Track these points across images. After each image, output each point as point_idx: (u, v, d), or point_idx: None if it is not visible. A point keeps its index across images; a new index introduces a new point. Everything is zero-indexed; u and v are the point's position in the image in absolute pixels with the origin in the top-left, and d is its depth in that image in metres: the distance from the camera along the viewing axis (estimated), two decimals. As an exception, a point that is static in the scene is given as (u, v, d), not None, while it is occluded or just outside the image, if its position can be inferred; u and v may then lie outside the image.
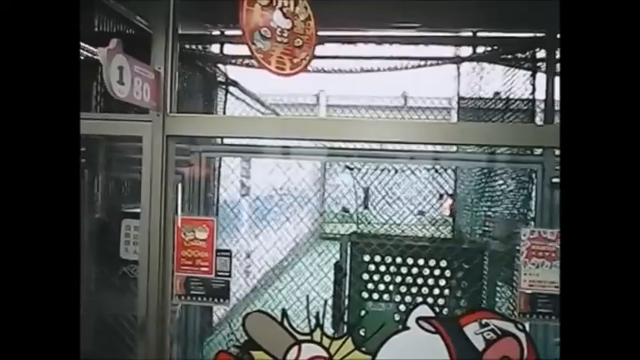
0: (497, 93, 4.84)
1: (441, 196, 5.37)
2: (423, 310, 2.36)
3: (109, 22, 3.40)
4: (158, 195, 2.41)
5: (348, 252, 3.40)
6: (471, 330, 2.31)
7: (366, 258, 3.37)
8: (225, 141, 3.51)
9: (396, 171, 4.19)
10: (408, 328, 2.35)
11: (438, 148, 3.93)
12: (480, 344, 2.29)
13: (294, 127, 2.53)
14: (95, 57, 3.11)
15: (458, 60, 4.56)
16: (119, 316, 3.18)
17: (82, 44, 3.10)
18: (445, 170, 4.79)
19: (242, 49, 3.59)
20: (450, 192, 5.15)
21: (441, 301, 3.18)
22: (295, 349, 2.39)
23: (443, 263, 3.25)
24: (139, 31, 3.65)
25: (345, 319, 3.03)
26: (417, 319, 2.33)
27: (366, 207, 6.10)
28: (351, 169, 3.33)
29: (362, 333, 2.47)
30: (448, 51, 4.42)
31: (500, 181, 4.12)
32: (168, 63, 2.41)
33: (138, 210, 2.94)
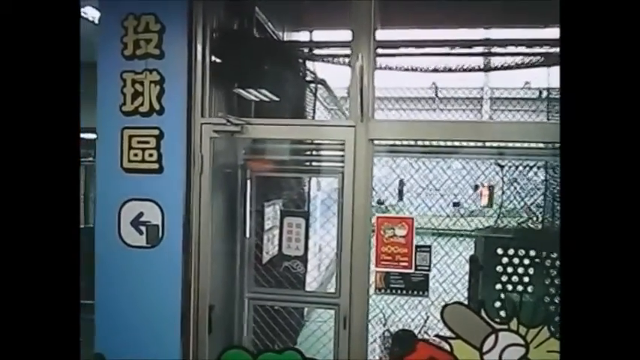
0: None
1: (477, 187, 5.12)
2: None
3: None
4: (362, 195, 2.58)
5: (482, 245, 3.57)
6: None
7: (500, 251, 3.53)
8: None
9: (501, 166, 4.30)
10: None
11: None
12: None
13: (469, 130, 2.75)
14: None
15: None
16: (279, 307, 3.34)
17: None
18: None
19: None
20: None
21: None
22: (492, 337, 2.56)
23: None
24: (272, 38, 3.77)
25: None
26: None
27: (400, 199, 6.19)
28: (502, 166, 3.50)
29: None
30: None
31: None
32: (370, 72, 2.57)
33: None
